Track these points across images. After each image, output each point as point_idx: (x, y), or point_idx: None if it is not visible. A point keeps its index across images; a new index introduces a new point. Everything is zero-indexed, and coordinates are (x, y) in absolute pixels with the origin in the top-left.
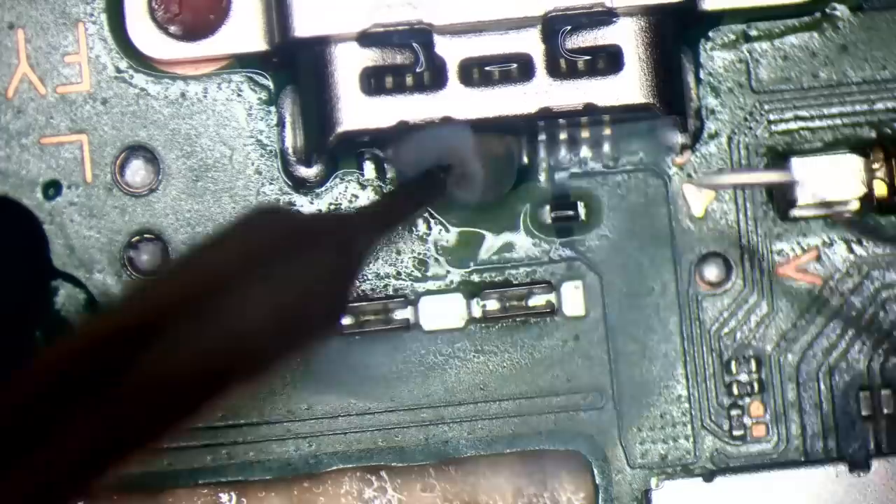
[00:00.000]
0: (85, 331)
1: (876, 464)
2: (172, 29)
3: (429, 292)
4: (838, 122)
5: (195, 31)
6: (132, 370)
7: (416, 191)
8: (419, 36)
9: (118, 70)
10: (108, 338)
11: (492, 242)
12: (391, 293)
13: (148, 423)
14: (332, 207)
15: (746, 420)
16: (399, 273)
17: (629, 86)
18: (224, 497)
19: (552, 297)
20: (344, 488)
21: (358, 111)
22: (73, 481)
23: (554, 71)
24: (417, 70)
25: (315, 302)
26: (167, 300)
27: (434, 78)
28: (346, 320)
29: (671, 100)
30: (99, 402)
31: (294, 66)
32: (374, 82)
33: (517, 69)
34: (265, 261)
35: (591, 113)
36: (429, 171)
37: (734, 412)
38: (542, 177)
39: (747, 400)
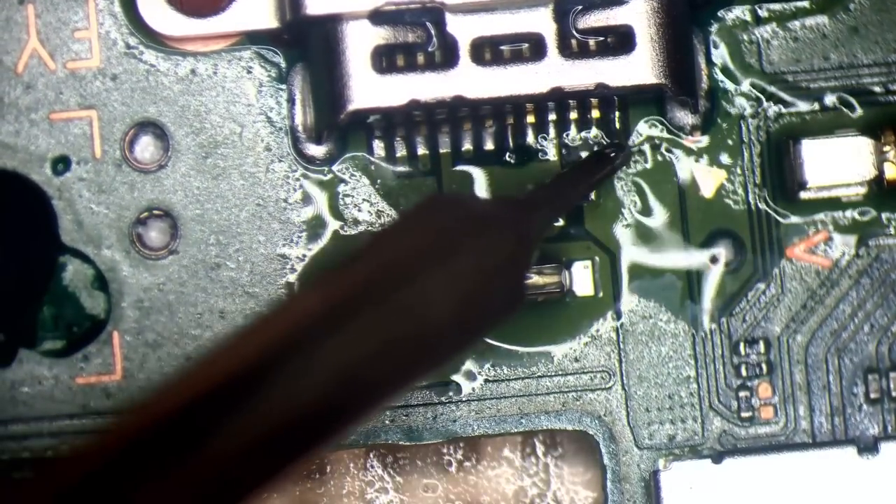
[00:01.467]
0: (270, 319)
1: (884, 446)
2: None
3: None
4: (848, 104)
5: (211, 5)
6: (320, 356)
7: (588, 171)
8: (431, 14)
9: (128, 46)
10: (289, 327)
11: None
12: None
13: (338, 409)
14: (343, 184)
15: (755, 401)
16: None
17: (641, 66)
18: None
19: (562, 276)
20: (346, 489)
21: (369, 89)
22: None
23: (565, 51)
24: (429, 49)
25: (495, 288)
26: (352, 289)
27: (445, 57)
28: None
29: (682, 81)
30: (284, 392)
31: (305, 44)
32: (385, 61)
33: (529, 48)
34: (444, 249)
35: (603, 93)
36: (599, 152)
37: (742, 394)
38: (553, 156)
39: (756, 381)
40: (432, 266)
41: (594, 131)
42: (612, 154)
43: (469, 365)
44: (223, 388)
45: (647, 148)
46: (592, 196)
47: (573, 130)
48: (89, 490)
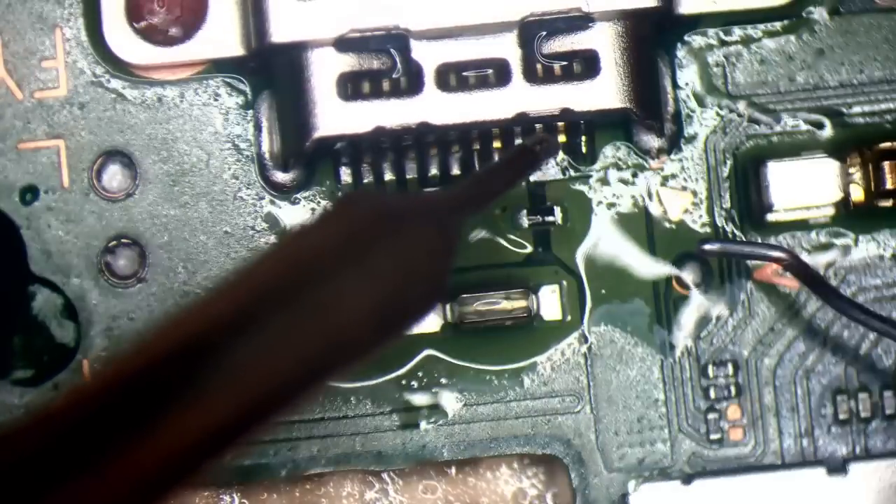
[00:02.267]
0: (179, 320)
1: (853, 467)
2: (173, 31)
3: None
4: (815, 125)
5: (183, 23)
6: (228, 362)
7: (511, 166)
8: (396, 41)
9: (95, 75)
10: (202, 329)
11: (468, 247)
12: None
13: (243, 417)
14: (311, 211)
15: (724, 423)
16: None
17: (606, 90)
18: (226, 499)
19: (529, 301)
20: (346, 490)
21: (335, 117)
22: (164, 479)
23: (531, 76)
24: (394, 75)
25: (414, 285)
26: (263, 290)
27: (411, 83)
28: None
29: (648, 104)
30: (194, 394)
31: (271, 72)
32: (350, 87)
33: (494, 74)
34: (361, 245)
35: (568, 118)
36: (523, 146)
37: (711, 416)
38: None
39: (724, 403)
40: (349, 263)
41: (560, 155)
42: (536, 146)
43: (439, 389)
44: (131, 394)
45: (612, 171)
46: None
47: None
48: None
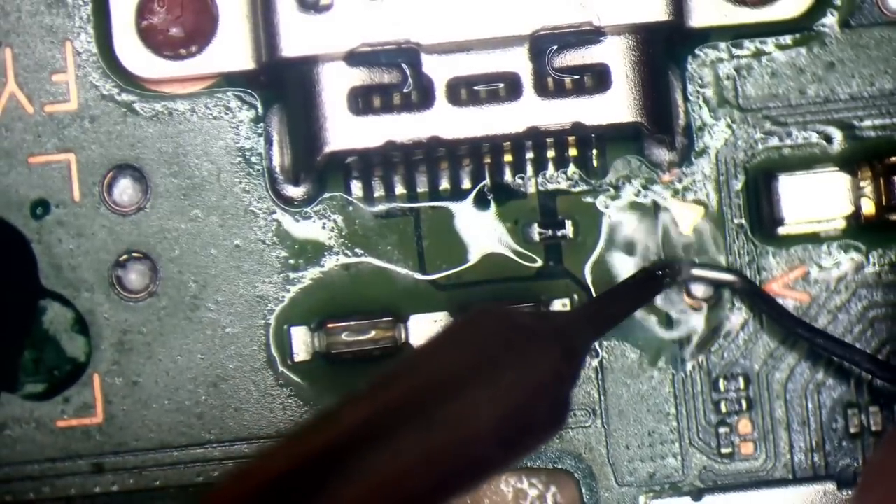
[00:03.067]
0: (317, 426)
1: None
2: (174, 31)
3: (417, 311)
4: (826, 139)
5: (196, 34)
6: (361, 470)
7: (636, 290)
8: (407, 55)
9: (105, 89)
10: (338, 436)
11: (479, 260)
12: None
13: None
14: (321, 226)
15: (735, 438)
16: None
17: (617, 104)
18: None
19: None
20: None
21: (346, 131)
22: None
23: (542, 90)
24: (405, 90)
25: (539, 404)
26: (396, 402)
27: (422, 97)
28: (336, 343)
29: (659, 118)
30: (340, 489)
31: (282, 86)
32: (361, 102)
33: (505, 88)
34: (489, 363)
35: (579, 132)
36: (647, 270)
37: (722, 430)
38: (531, 194)
39: (735, 418)
40: (477, 380)
41: (571, 168)
42: (662, 274)
43: None
44: (271, 496)
45: (623, 184)
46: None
47: (551, 169)
48: None
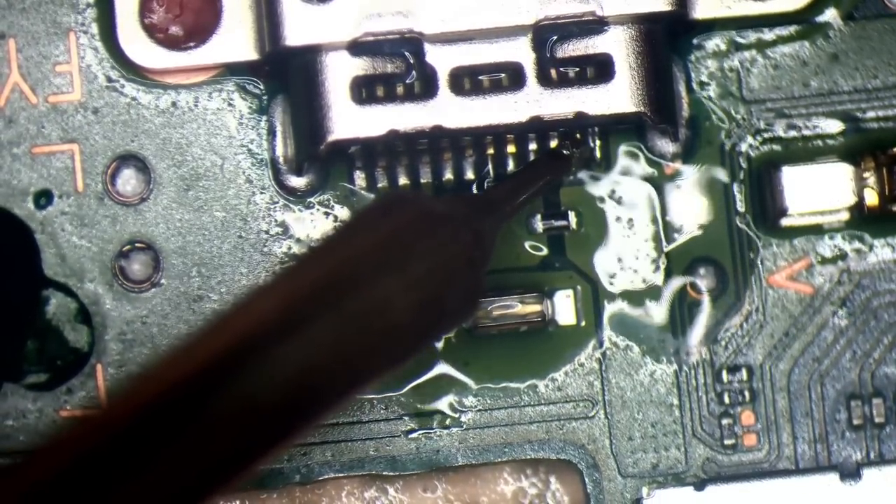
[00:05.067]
0: (226, 320)
1: (867, 473)
2: (173, 29)
3: None
4: (829, 130)
5: (195, 32)
6: (274, 362)
7: (544, 168)
8: (410, 45)
9: (109, 79)
10: (248, 330)
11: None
12: None
13: (286, 418)
14: (325, 216)
15: (738, 429)
16: None
17: (620, 95)
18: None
19: (544, 306)
20: (346, 489)
21: (349, 120)
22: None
23: (545, 80)
24: (408, 79)
25: (452, 288)
26: (307, 292)
27: (425, 87)
28: None
29: (662, 109)
30: (238, 395)
31: (285, 76)
32: (364, 91)
33: (508, 78)
34: (401, 249)
35: (582, 122)
36: (554, 150)
37: (725, 421)
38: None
39: (738, 409)
40: (389, 267)
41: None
42: (568, 152)
43: (453, 394)
44: (179, 393)
45: (626, 175)
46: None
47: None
48: (61, 487)
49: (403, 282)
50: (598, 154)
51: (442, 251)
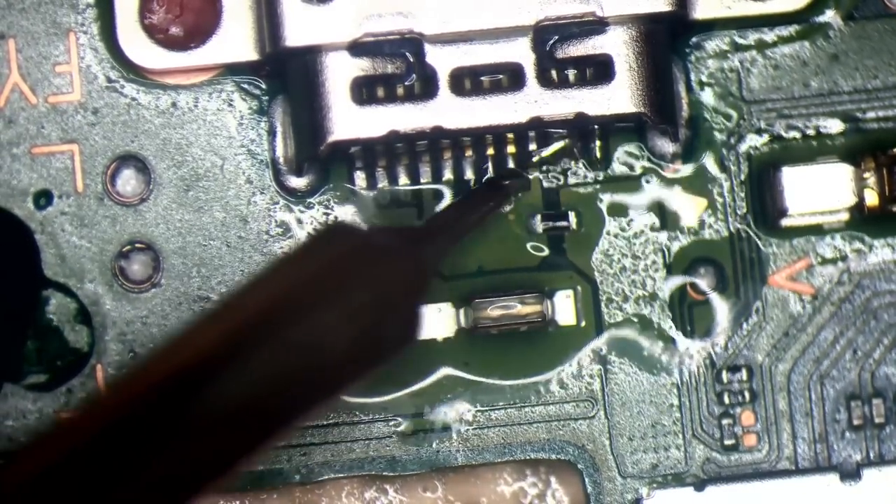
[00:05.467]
0: (168, 351)
1: (867, 473)
2: (173, 30)
3: None
4: (829, 131)
5: (195, 33)
6: (208, 396)
7: (483, 198)
8: (410, 45)
9: (109, 80)
10: (184, 364)
11: (482, 252)
12: None
13: (226, 450)
14: (324, 216)
15: (738, 429)
16: None
17: (620, 95)
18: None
19: (544, 306)
20: (346, 489)
21: (349, 121)
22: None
23: (545, 80)
24: (408, 80)
25: (391, 319)
26: (245, 324)
27: (425, 88)
28: None
29: (662, 109)
30: (175, 432)
31: (285, 76)
32: (365, 92)
33: (508, 78)
34: (340, 280)
35: (582, 122)
36: (491, 180)
37: (725, 421)
38: (534, 185)
39: (738, 409)
40: (328, 298)
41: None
42: (506, 182)
43: (453, 395)
44: (120, 425)
45: (626, 176)
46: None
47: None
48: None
49: (341, 312)
50: (598, 154)
51: (380, 282)
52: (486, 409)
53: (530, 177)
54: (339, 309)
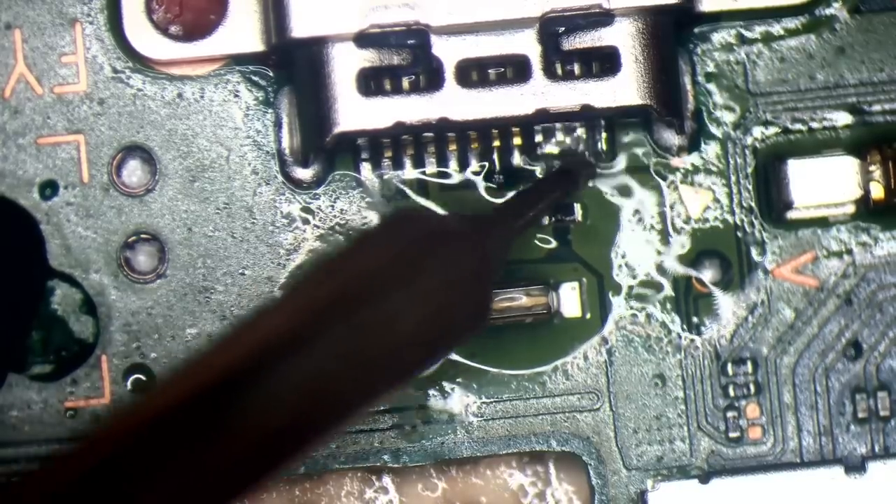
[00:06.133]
0: (237, 336)
1: (872, 466)
2: (172, 29)
3: None
4: (835, 123)
5: (195, 32)
6: (287, 374)
7: (552, 187)
8: (416, 37)
9: (115, 70)
10: (258, 346)
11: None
12: None
13: (300, 429)
14: (330, 207)
15: (743, 422)
16: None
17: (626, 87)
18: None
19: (549, 298)
20: (345, 489)
21: (355, 112)
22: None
23: (551, 72)
24: (414, 71)
25: (460, 305)
26: (316, 309)
27: (431, 79)
28: None
29: (668, 101)
30: (251, 409)
31: (291, 67)
32: (371, 83)
33: (514, 70)
34: (410, 266)
35: (588, 115)
36: (563, 168)
37: (730, 414)
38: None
39: (743, 402)
40: (398, 283)
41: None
42: (575, 168)
43: (458, 386)
44: (192, 407)
45: (632, 168)
46: (577, 215)
47: (559, 152)
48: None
49: (412, 297)
50: (604, 146)
51: (450, 267)
52: (492, 400)
53: (593, 168)
54: (408, 293)
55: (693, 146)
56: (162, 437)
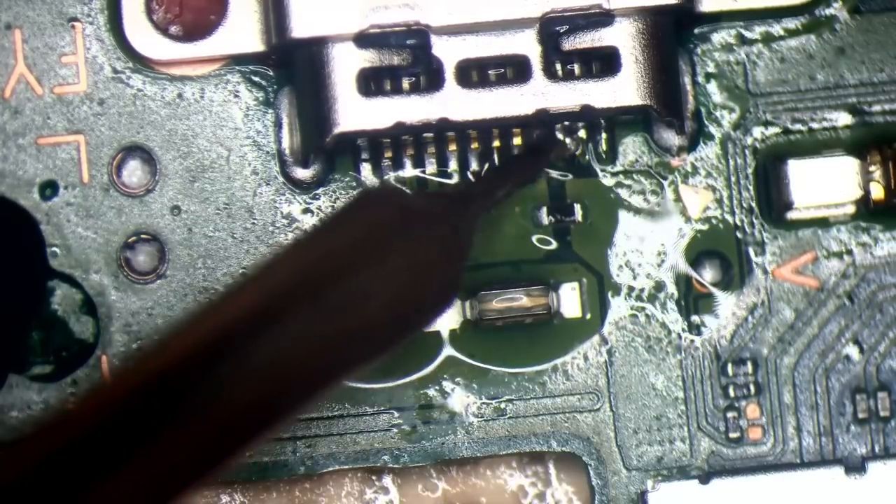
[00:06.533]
0: (204, 316)
1: (872, 466)
2: (172, 30)
3: None
4: (835, 124)
5: (195, 32)
6: (251, 358)
7: (522, 163)
8: (416, 37)
9: (115, 71)
10: (225, 326)
11: (488, 244)
12: None
13: (268, 407)
14: (331, 207)
15: (743, 422)
16: None
17: (626, 88)
18: (225, 498)
19: (549, 298)
20: (345, 489)
21: (355, 112)
22: (188, 472)
23: (551, 72)
24: (414, 72)
25: (430, 282)
26: (284, 287)
27: (431, 80)
28: None
29: (668, 102)
30: (217, 390)
31: (291, 67)
32: (371, 84)
33: (514, 71)
34: (379, 244)
35: (588, 115)
36: (532, 146)
37: (730, 414)
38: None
39: (744, 402)
40: (367, 261)
41: (580, 152)
42: (545, 146)
43: (458, 387)
44: (159, 386)
45: (632, 168)
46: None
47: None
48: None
49: (380, 276)
50: (604, 146)
51: (419, 245)
52: (491, 401)
53: (567, 144)
54: (375, 272)
55: (693, 146)
56: (130, 416)
